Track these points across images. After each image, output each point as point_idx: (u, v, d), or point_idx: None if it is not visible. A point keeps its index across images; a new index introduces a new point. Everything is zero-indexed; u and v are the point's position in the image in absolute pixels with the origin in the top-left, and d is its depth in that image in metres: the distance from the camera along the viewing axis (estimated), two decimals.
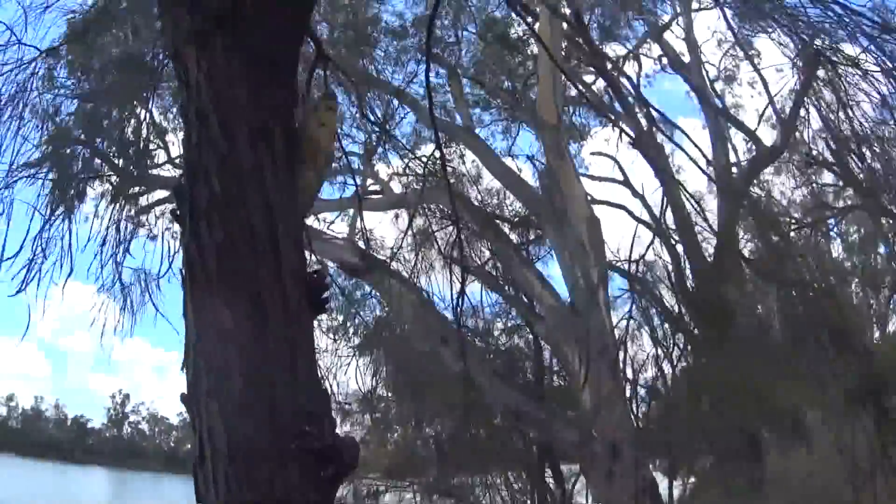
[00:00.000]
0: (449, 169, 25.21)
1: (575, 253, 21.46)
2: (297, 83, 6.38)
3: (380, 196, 28.11)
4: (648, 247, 26.86)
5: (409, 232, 25.36)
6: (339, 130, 24.80)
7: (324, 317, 27.35)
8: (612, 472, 19.40)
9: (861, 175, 24.41)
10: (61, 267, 20.16)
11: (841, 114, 22.83)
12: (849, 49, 21.86)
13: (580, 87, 27.40)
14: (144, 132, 21.91)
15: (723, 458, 24.71)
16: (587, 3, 26.69)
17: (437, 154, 20.13)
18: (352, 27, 25.30)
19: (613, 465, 19.35)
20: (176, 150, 24.45)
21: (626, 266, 26.00)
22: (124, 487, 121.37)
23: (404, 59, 26.12)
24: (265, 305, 5.19)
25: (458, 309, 14.07)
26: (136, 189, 23.47)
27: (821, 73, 23.18)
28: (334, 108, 6.82)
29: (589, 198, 23.96)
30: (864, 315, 35.71)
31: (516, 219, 26.97)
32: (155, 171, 24.60)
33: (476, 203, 25.79)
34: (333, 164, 26.23)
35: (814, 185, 28.78)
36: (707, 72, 30.85)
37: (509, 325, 28.75)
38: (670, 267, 27.10)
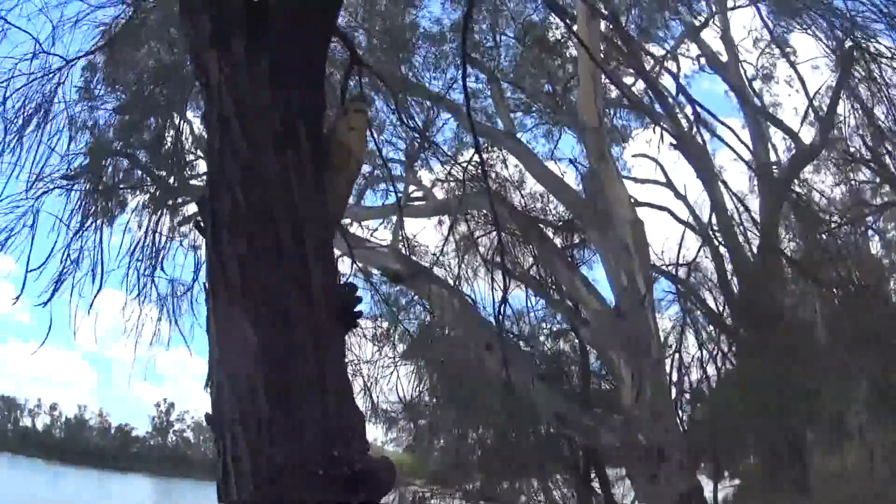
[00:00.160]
0: (491, 174, 25.07)
1: (619, 256, 21.25)
2: (324, 85, 6.14)
3: (423, 203, 27.98)
4: (698, 252, 26.66)
5: (452, 238, 25.24)
6: (379, 137, 24.87)
7: (369, 324, 27.46)
8: (658, 476, 19.20)
9: None
10: (93, 278, 20.05)
11: (878, 109, 22.54)
12: (887, 43, 21.59)
13: (621, 87, 27.20)
14: (180, 141, 21.78)
15: (767, 460, 24.45)
16: (623, 5, 26.53)
17: (477, 158, 19.86)
18: (389, 34, 25.19)
19: (659, 469, 19.14)
20: None
21: (671, 269, 25.76)
22: (168, 495, 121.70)
23: (443, 64, 26.05)
24: (291, 321, 4.92)
25: (500, 316, 13.88)
26: (175, 200, 23.37)
27: (857, 69, 22.90)
28: (365, 111, 6.59)
29: (632, 200, 23.74)
30: None
31: (560, 223, 26.74)
32: (195, 182, 24.53)
33: (519, 208, 25.57)
34: (376, 172, 26.24)
35: (852, 182, 28.44)
36: (745, 70, 30.70)
37: (554, 329, 28.61)
38: (713, 268, 26.89)
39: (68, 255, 19.72)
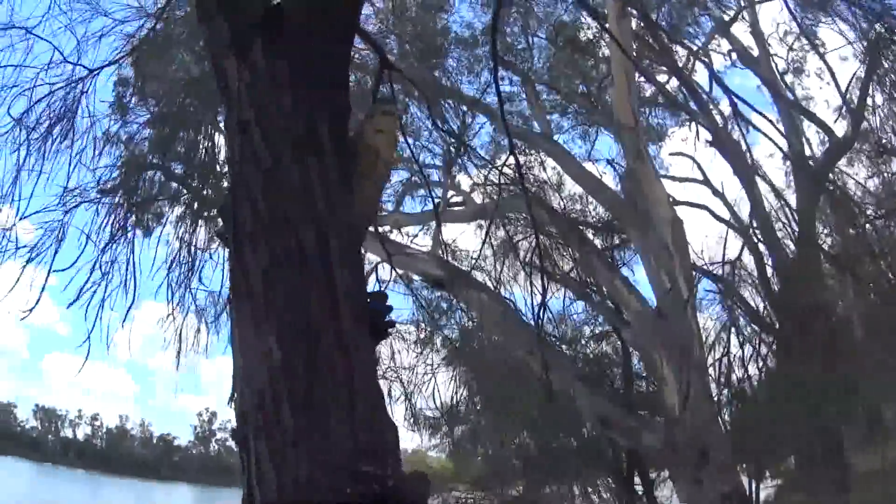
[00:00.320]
0: (529, 176, 24.96)
1: (659, 256, 21.07)
2: (348, 87, 6.00)
3: (462, 207, 27.88)
4: (741, 251, 26.44)
5: (490, 242, 25.14)
6: (416, 143, 24.77)
7: (412, 330, 27.38)
8: (700, 478, 19.01)
9: None
10: (126, 290, 20.02)
11: None
12: None
13: (655, 82, 27.07)
14: (213, 152, 21.74)
15: (807, 459, 24.21)
16: (653, 2, 26.33)
17: (512, 161, 19.72)
18: (421, 39, 25.08)
19: (701, 471, 18.96)
20: None
21: (712, 268, 25.56)
22: (210, 503, 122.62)
23: (477, 68, 25.92)
24: (317, 333, 4.74)
25: (540, 319, 13.69)
26: (211, 211, 23.35)
27: (884, 59, 22.71)
28: (392, 113, 6.41)
29: (671, 199, 23.57)
30: None
31: (600, 224, 26.59)
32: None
33: (559, 210, 25.42)
34: (414, 178, 26.16)
35: (885, 174, 28.19)
36: (776, 64, 30.49)
37: (596, 331, 28.46)
38: (753, 266, 26.70)
39: (99, 266, 19.69)
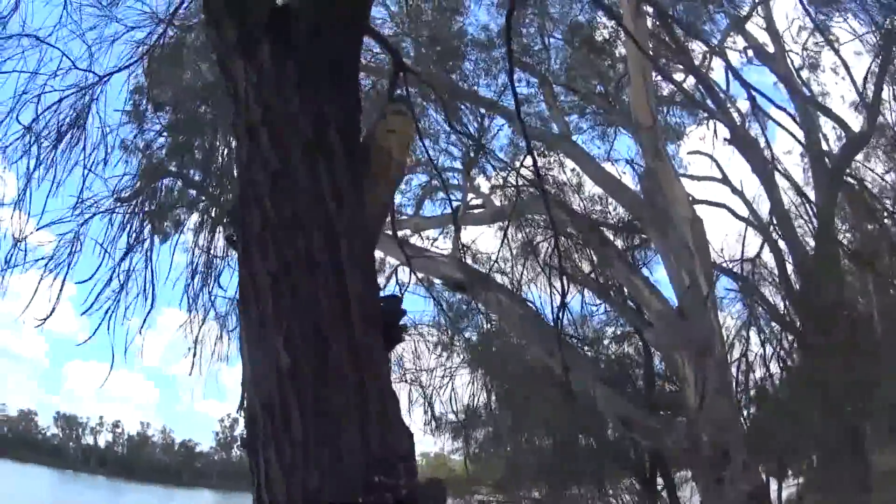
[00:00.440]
0: (548, 178, 24.91)
1: (680, 255, 20.98)
2: (358, 88, 5.91)
3: (482, 210, 27.84)
4: (760, 249, 26.32)
5: (509, 244, 25.07)
6: (435, 146, 24.72)
7: (434, 333, 27.34)
8: (723, 477, 18.93)
9: None
10: (146, 298, 20.01)
11: None
12: None
13: (672, 81, 26.98)
14: (230, 158, 21.69)
15: (829, 458, 24.08)
16: (668, 1, 26.26)
17: (530, 161, 19.62)
18: (437, 42, 25.03)
19: (724, 471, 18.87)
20: None
21: (731, 266, 25.46)
22: None
23: (494, 70, 25.86)
24: (327, 339, 4.63)
25: (559, 320, 13.63)
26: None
27: None
28: (404, 113, 6.31)
29: (690, 198, 23.47)
30: None
31: (620, 224, 26.52)
32: None
33: (579, 211, 25.35)
34: (433, 182, 26.12)
35: None
36: (791, 60, 30.39)
37: (618, 332, 28.39)
38: (773, 263, 26.58)
39: (118, 275, 19.66)
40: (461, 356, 28.11)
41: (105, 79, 17.90)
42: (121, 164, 20.59)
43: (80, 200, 19.10)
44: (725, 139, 26.70)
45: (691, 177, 30.32)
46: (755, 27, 29.85)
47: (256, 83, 5.31)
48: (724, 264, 25.39)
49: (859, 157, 27.79)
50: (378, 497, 4.27)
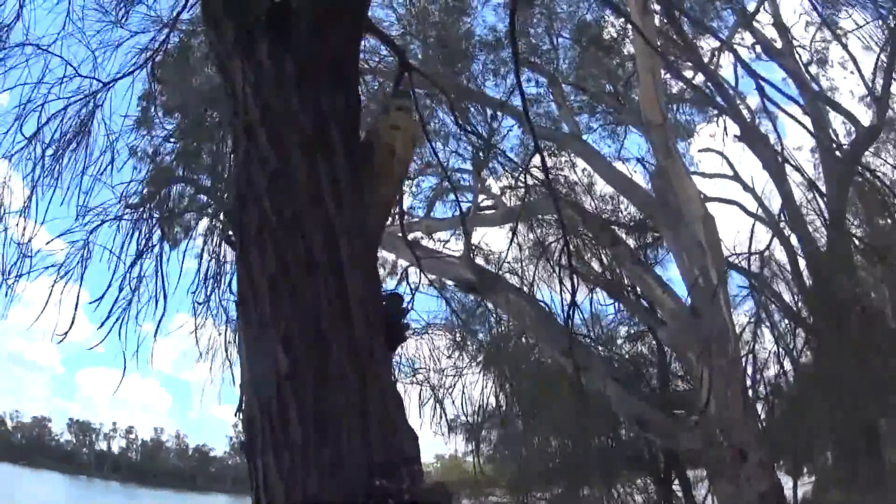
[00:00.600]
0: (559, 178, 24.89)
1: (692, 253, 20.92)
2: (358, 86, 5.83)
3: (493, 211, 27.79)
4: (769, 244, 26.18)
5: (519, 244, 25.02)
6: (445, 147, 24.67)
7: (448, 334, 27.26)
8: (738, 476, 18.84)
9: None
10: (156, 304, 19.97)
11: None
12: None
13: (681, 77, 26.91)
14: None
15: (844, 455, 23.96)
16: None
17: (539, 160, 19.56)
18: (445, 43, 24.96)
19: (739, 469, 18.78)
20: None
21: (743, 263, 25.37)
22: None
23: (503, 70, 25.78)
24: (327, 340, 4.54)
25: (570, 319, 13.55)
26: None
27: None
28: (408, 109, 6.22)
29: (702, 196, 23.40)
30: None
31: (632, 223, 26.45)
32: None
33: (590, 210, 25.28)
34: (444, 183, 26.06)
35: None
36: (799, 55, 30.29)
37: (632, 331, 28.32)
38: (786, 260, 26.48)
39: (128, 282, 19.62)
40: (474, 357, 28.05)
41: (109, 85, 17.86)
42: (129, 170, 20.54)
43: (87, 209, 19.04)
44: (735, 136, 26.63)
45: (702, 174, 30.25)
46: (762, 24, 29.83)
47: (255, 82, 5.25)
48: (732, 256, 25.32)
49: (869, 151, 27.74)
50: (379, 501, 4.17)
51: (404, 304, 5.35)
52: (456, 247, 26.08)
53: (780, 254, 25.57)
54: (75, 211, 18.70)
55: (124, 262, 19.44)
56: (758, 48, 28.74)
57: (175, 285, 20.45)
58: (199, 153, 21.30)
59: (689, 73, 27.41)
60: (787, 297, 25.63)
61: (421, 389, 26.74)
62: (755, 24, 28.83)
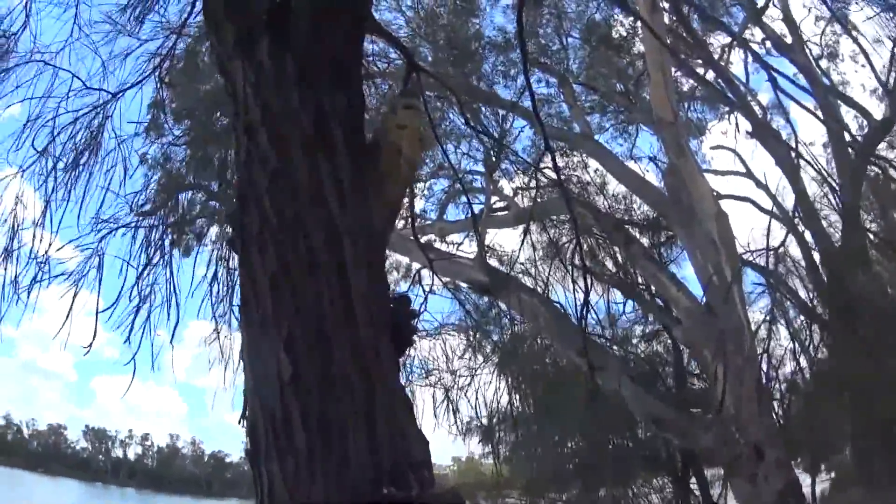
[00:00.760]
0: (572, 177, 24.91)
1: (706, 251, 20.86)
2: (361, 84, 5.74)
3: (505, 212, 27.76)
4: (784, 240, 26.06)
5: (530, 244, 25.02)
6: (455, 149, 24.63)
7: (462, 336, 27.21)
8: (756, 474, 18.77)
9: None
10: (168, 311, 19.96)
11: None
12: None
13: (692, 73, 26.86)
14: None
15: (862, 452, 23.83)
16: None
17: (550, 160, 19.54)
18: (454, 45, 24.94)
19: (756, 467, 18.71)
20: None
21: (757, 260, 25.27)
22: None
23: (513, 71, 25.76)
24: (330, 342, 4.43)
25: (584, 318, 13.51)
26: None
27: None
28: (415, 107, 6.11)
29: (715, 193, 23.35)
30: None
31: (645, 222, 26.42)
32: None
33: (604, 210, 25.26)
34: (455, 185, 26.03)
35: None
36: (810, 50, 30.24)
37: (647, 330, 28.28)
38: (801, 256, 26.37)
39: (139, 290, 19.60)
40: (487, 358, 28.00)
41: (118, 95, 17.83)
42: (140, 177, 20.56)
43: (98, 220, 19.04)
44: (747, 132, 26.60)
45: (715, 172, 30.20)
46: (772, 19, 29.74)
47: (255, 82, 5.17)
48: (747, 253, 25.22)
49: (882, 146, 27.65)
50: None
51: (413, 307, 5.23)
52: (470, 249, 26.07)
53: (794, 249, 25.50)
54: (87, 219, 18.74)
55: (136, 268, 19.48)
56: (768, 44, 28.67)
57: (189, 292, 20.54)
58: (209, 159, 21.31)
59: (699, 71, 27.36)
60: (802, 293, 25.54)
61: (434, 391, 26.68)
62: (764, 19, 28.76)
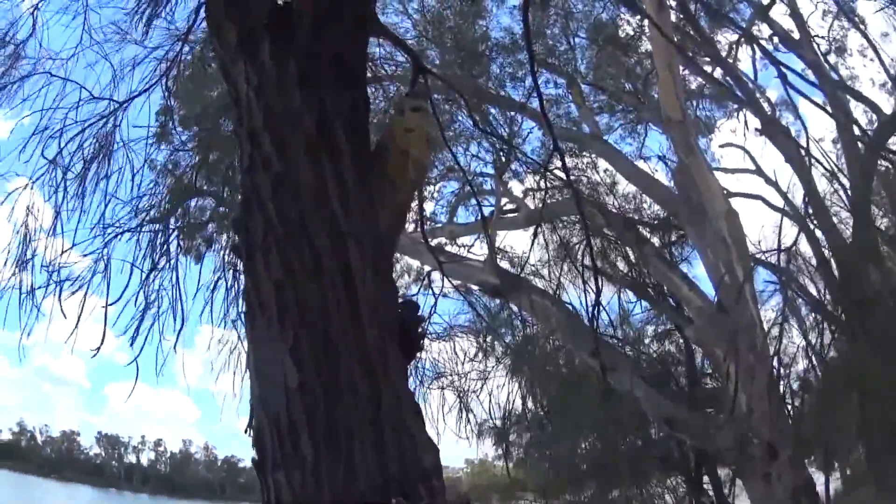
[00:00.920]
0: (582, 178, 24.85)
1: (717, 249, 20.78)
2: (365, 86, 5.66)
3: (515, 214, 27.68)
4: (796, 238, 25.96)
5: (540, 245, 24.99)
6: (464, 151, 24.56)
7: (472, 339, 27.11)
8: (769, 473, 18.69)
9: None
10: (174, 316, 19.91)
11: None
12: None
13: (700, 71, 26.78)
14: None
15: (876, 450, 23.73)
16: None
17: (557, 157, 19.48)
18: (462, 47, 24.89)
19: (770, 466, 18.63)
20: None
21: (767, 257, 25.19)
22: None
23: (521, 73, 25.71)
24: (336, 349, 4.35)
25: (595, 319, 13.44)
26: None
27: None
28: (423, 109, 6.02)
29: (724, 191, 23.27)
30: None
31: (655, 221, 26.35)
32: None
33: (614, 210, 25.19)
34: (465, 188, 25.97)
35: None
36: (818, 45, 30.10)
37: (659, 330, 28.21)
38: (812, 253, 26.26)
39: (146, 296, 19.56)
40: (501, 361, 27.91)
41: (126, 104, 17.80)
42: (148, 183, 20.51)
43: (105, 226, 18.99)
44: (757, 129, 26.46)
45: (724, 170, 30.08)
46: (779, 15, 29.65)
47: (257, 84, 5.09)
48: (759, 254, 25.13)
49: (892, 139, 27.53)
50: None
51: (421, 312, 5.14)
52: (480, 251, 26.00)
53: (804, 246, 25.39)
54: (93, 224, 18.70)
55: (143, 271, 19.43)
56: (775, 40, 28.54)
57: (198, 297, 20.48)
58: (216, 164, 21.28)
59: (707, 68, 27.28)
60: (813, 290, 25.44)
61: (444, 393, 26.59)
62: (771, 15, 28.63)
